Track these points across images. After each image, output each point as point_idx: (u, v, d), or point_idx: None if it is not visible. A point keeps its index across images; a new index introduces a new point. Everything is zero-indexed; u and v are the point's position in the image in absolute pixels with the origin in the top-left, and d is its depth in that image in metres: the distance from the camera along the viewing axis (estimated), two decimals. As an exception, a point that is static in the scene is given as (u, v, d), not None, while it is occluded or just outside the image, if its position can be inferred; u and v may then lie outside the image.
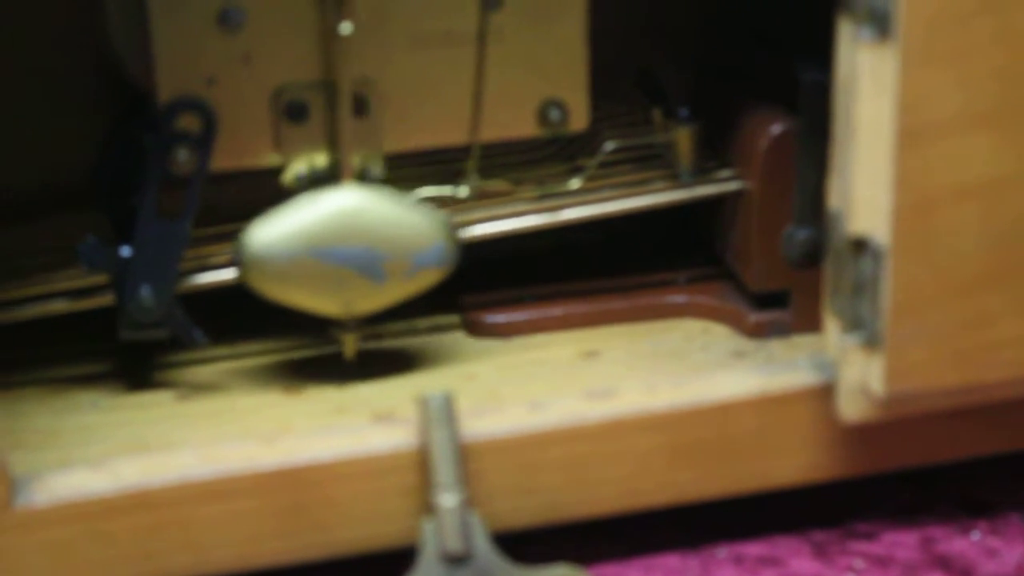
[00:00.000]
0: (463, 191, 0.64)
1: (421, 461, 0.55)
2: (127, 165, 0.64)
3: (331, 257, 0.60)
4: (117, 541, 0.54)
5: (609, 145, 0.66)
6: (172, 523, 0.54)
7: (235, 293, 0.63)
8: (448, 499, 0.55)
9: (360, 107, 0.61)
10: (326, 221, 0.60)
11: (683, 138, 0.65)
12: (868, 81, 0.53)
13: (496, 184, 0.65)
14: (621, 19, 0.68)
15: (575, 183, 0.65)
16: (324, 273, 0.60)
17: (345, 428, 0.56)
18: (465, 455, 0.56)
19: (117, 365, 0.65)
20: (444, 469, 0.55)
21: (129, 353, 0.65)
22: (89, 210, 0.65)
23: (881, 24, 0.52)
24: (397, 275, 0.61)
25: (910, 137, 0.53)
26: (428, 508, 0.55)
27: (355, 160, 0.61)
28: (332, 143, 0.61)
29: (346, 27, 0.59)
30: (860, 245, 0.55)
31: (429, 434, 0.55)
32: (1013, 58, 0.53)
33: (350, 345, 0.63)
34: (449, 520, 0.55)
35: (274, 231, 0.60)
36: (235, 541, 0.55)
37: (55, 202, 0.67)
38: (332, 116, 0.61)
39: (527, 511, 0.57)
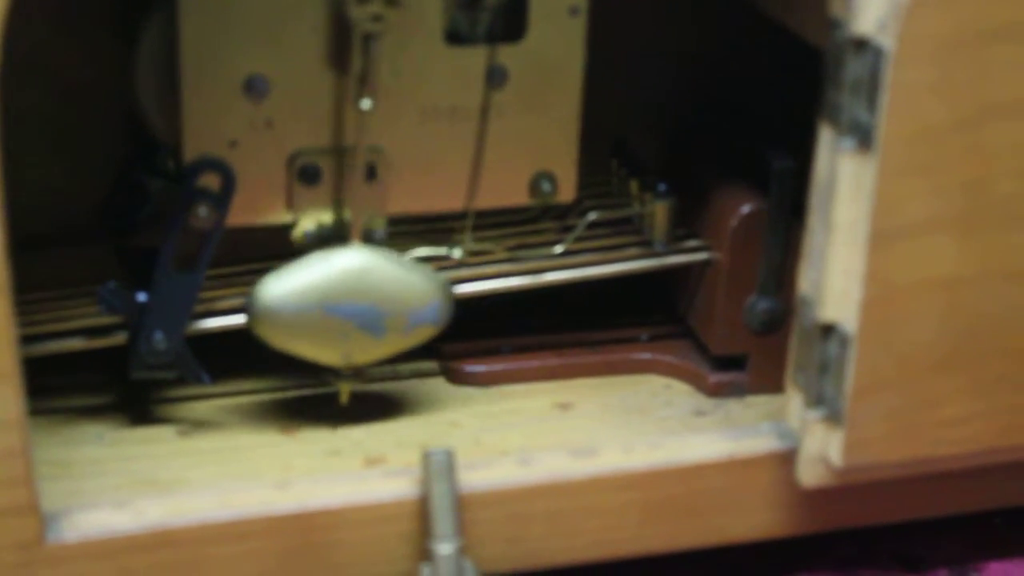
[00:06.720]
0: (457, 253, 0.68)
1: (421, 510, 0.60)
2: (132, 207, 0.68)
3: (337, 312, 0.64)
4: (138, 576, 0.58)
5: (591, 216, 0.71)
6: (190, 561, 0.58)
7: (227, 333, 0.67)
8: (445, 547, 0.59)
9: (369, 173, 0.65)
10: (335, 279, 0.64)
11: (660, 211, 0.70)
12: (847, 186, 0.58)
13: (485, 246, 0.69)
14: (599, 87, 0.72)
15: (558, 249, 0.70)
16: (329, 327, 0.64)
17: (352, 476, 0.61)
18: (459, 504, 0.60)
19: (118, 398, 0.69)
20: (442, 520, 0.59)
21: (128, 386, 0.69)
22: (95, 246, 0.69)
23: (863, 137, 0.57)
24: (395, 330, 0.65)
25: (882, 238, 0.58)
26: (426, 554, 0.60)
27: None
28: (340, 205, 0.65)
29: (366, 103, 0.63)
30: (828, 330, 0.61)
31: (430, 487, 0.60)
32: (981, 172, 0.58)
33: (345, 392, 0.68)
34: (445, 566, 0.59)
35: (285, 286, 0.64)
36: (246, 579, 0.60)
37: (65, 238, 0.70)
38: (342, 180, 0.65)
39: (514, 558, 0.62)
